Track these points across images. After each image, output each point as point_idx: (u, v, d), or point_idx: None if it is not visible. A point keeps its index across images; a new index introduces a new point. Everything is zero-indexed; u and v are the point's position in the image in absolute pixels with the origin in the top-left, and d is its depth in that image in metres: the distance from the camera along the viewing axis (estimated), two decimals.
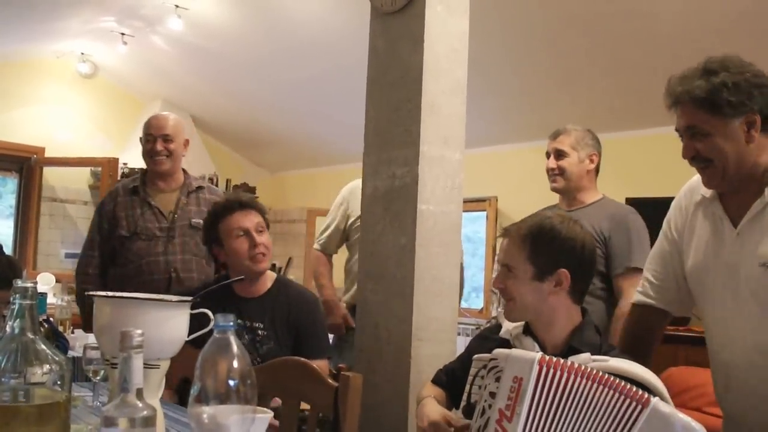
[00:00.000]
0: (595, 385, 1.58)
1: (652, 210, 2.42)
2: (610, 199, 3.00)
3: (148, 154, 3.30)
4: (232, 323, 1.08)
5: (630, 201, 5.16)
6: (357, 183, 3.71)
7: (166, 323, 1.52)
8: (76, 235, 7.14)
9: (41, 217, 6.91)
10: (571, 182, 2.93)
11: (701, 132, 1.76)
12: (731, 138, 1.74)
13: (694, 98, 1.75)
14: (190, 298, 1.58)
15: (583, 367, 1.61)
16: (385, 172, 2.72)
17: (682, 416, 1.52)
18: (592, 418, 1.56)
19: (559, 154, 2.93)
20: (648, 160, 5.20)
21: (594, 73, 4.97)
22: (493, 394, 1.63)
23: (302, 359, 2.02)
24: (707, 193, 1.90)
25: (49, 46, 6.67)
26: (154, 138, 3.28)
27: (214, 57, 6.33)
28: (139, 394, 1.11)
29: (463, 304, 6.22)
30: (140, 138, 3.39)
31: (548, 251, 1.87)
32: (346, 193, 3.75)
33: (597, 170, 2.99)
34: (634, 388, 1.56)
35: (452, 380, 2.02)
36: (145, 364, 1.31)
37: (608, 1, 4.24)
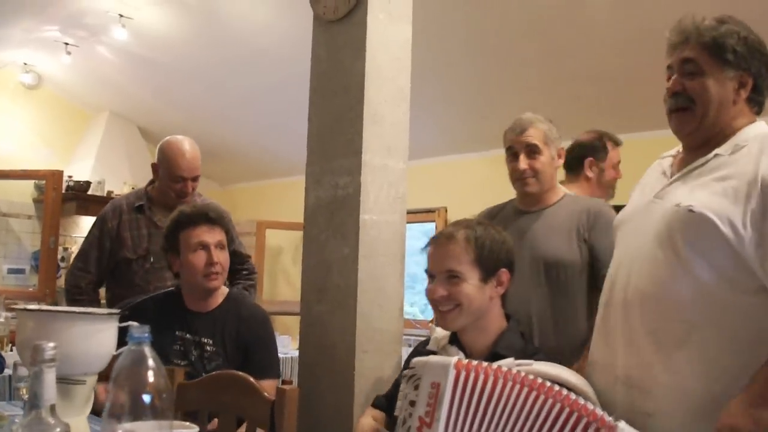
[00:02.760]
0: (526, 389, 1.57)
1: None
2: (571, 193, 2.71)
3: (177, 194, 3.19)
4: (147, 335, 1.04)
5: None
6: None
7: (93, 337, 1.47)
8: (20, 250, 6.98)
9: None
10: (545, 184, 2.57)
11: (697, 69, 1.74)
12: (722, 87, 1.73)
13: (702, 36, 1.74)
14: (117, 311, 1.54)
15: (504, 369, 1.62)
16: (328, 182, 2.69)
17: None
18: (528, 424, 1.55)
19: (531, 152, 2.55)
20: None
21: (543, 82, 5.01)
22: (413, 403, 1.64)
23: (238, 373, 1.97)
24: (664, 157, 1.90)
25: None
26: (183, 179, 3.19)
27: (161, 67, 6.24)
28: (52, 410, 1.06)
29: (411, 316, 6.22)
30: (153, 164, 3.28)
31: (491, 253, 1.92)
32: None
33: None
34: (589, 405, 1.56)
35: (390, 402, 2.00)
36: (69, 379, 1.27)
37: (557, 10, 4.28)
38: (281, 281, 7.55)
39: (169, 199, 3.23)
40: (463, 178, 6.01)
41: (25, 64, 6.83)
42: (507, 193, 2.76)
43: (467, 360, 1.64)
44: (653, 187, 1.86)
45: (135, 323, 1.47)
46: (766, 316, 1.60)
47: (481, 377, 1.60)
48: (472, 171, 5.93)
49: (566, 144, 5.07)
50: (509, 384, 1.59)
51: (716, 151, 1.73)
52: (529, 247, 2.49)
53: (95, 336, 1.48)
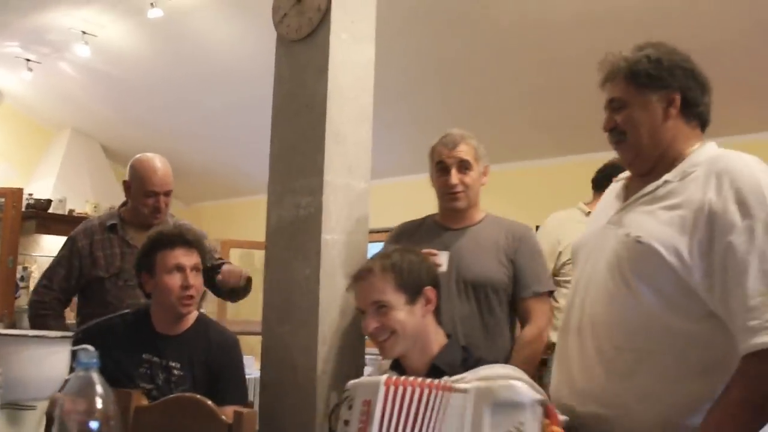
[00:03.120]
0: (434, 390, 1.69)
1: None
2: (494, 215, 2.70)
3: (151, 210, 3.16)
4: (95, 360, 1.02)
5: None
6: (563, 215, 3.48)
7: (44, 361, 1.44)
8: None
9: None
10: (472, 200, 2.59)
11: (620, 103, 1.80)
12: (647, 111, 1.76)
13: (617, 70, 1.80)
14: (70, 334, 1.51)
15: (429, 380, 1.73)
16: (290, 201, 2.67)
17: (502, 383, 1.63)
18: (431, 417, 1.67)
19: (463, 167, 2.56)
20: (558, 188, 5.31)
21: (507, 102, 5.07)
22: (347, 422, 1.73)
23: (196, 396, 1.94)
24: (619, 180, 1.93)
25: None
26: (156, 194, 3.16)
27: (124, 85, 6.20)
28: None
29: None
30: (124, 181, 3.25)
31: (411, 274, 1.99)
32: (554, 225, 3.46)
33: None
34: (457, 384, 1.69)
35: None
36: (19, 405, 1.24)
37: (521, 31, 4.33)
38: (248, 301, 7.48)
39: (142, 218, 3.21)
40: (426, 198, 5.98)
41: None
42: None
43: (396, 377, 1.74)
44: (607, 211, 1.87)
45: (88, 347, 1.45)
46: (716, 343, 1.60)
47: (409, 390, 1.69)
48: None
49: (532, 165, 5.13)
50: (434, 391, 1.69)
51: (665, 177, 1.73)
52: (456, 265, 2.51)
53: (46, 360, 1.44)
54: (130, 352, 2.46)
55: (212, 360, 2.52)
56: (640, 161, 1.81)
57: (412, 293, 1.97)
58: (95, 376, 1.01)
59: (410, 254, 2.06)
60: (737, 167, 1.63)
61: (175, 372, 2.47)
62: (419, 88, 5.13)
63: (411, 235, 2.66)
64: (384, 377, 1.73)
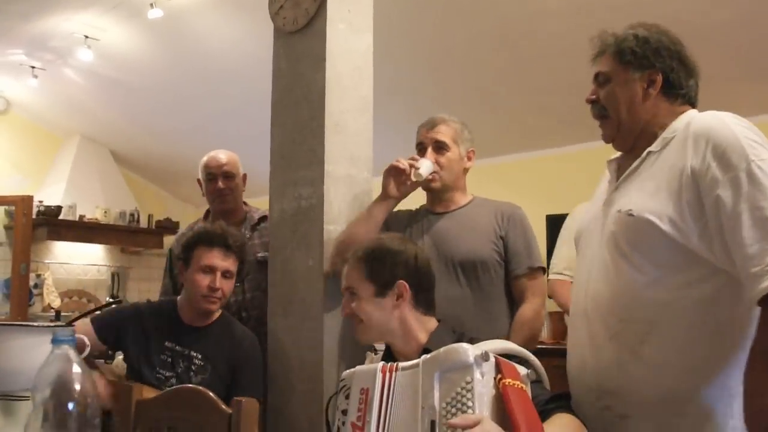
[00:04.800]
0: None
1: None
2: (482, 197, 2.66)
3: (212, 193, 3.22)
4: (71, 337, 0.99)
5: (550, 218, 5.24)
6: (588, 205, 3.47)
7: (35, 351, 1.42)
8: None
9: None
10: (450, 181, 2.55)
11: (604, 78, 1.83)
12: (628, 88, 1.79)
13: (606, 46, 1.84)
14: (62, 324, 1.49)
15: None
16: (291, 193, 2.66)
17: (447, 348, 1.60)
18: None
19: (439, 147, 2.54)
20: (566, 177, 5.28)
21: (510, 93, 5.03)
22: (345, 411, 1.71)
23: (197, 387, 1.93)
24: (611, 162, 1.94)
25: None
26: (214, 176, 3.20)
27: (130, 89, 6.21)
28: None
29: None
30: (197, 180, 3.30)
31: (383, 266, 1.95)
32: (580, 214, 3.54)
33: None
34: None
35: None
36: (12, 396, 1.22)
37: (521, 22, 4.29)
38: None
39: (219, 213, 3.26)
40: None
41: None
42: None
43: (392, 363, 1.72)
44: (602, 196, 1.89)
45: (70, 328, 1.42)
46: (722, 301, 1.60)
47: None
48: None
49: (537, 156, 5.09)
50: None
51: (649, 149, 1.76)
52: (443, 248, 2.47)
53: (38, 350, 1.42)
54: (154, 337, 2.54)
55: (233, 354, 2.56)
56: (620, 137, 1.83)
57: (382, 285, 1.94)
58: (72, 354, 0.99)
59: (390, 243, 2.01)
60: (711, 124, 1.65)
61: (196, 361, 2.53)
62: (420, 81, 5.10)
63: (406, 223, 2.61)
64: (380, 364, 1.71)
